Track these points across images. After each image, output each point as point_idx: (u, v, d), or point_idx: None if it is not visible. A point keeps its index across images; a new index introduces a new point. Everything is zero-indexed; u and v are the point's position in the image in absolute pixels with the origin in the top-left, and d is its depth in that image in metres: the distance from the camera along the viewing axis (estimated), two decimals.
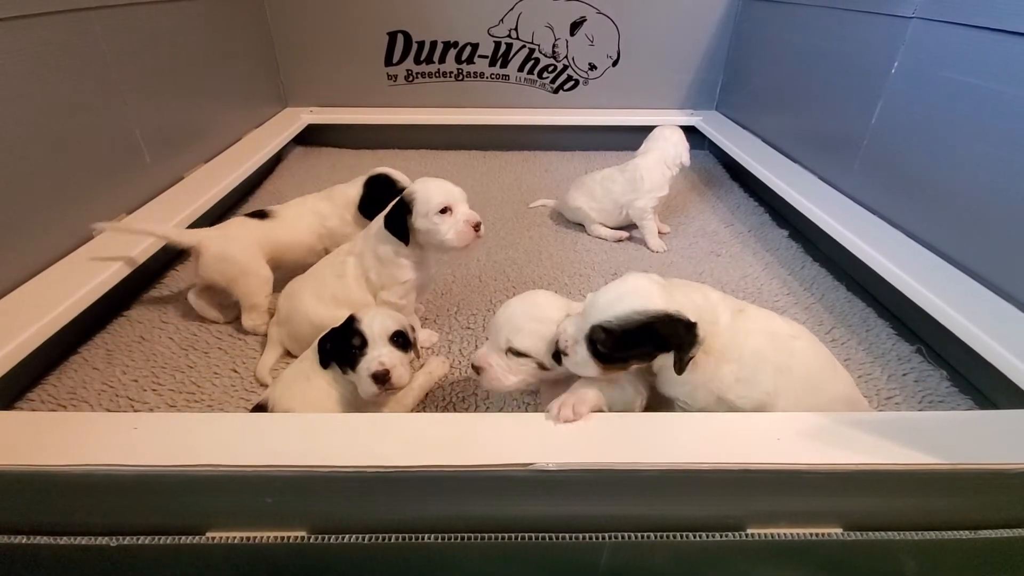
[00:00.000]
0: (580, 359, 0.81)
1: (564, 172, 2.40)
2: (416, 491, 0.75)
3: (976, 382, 1.16)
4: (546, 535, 0.76)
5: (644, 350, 0.80)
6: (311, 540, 0.75)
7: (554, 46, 2.57)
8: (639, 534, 0.76)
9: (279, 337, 1.24)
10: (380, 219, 1.17)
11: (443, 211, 1.12)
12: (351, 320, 0.98)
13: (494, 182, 2.30)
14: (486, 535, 0.76)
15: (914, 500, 0.77)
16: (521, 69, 2.63)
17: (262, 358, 1.21)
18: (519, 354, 0.90)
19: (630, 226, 1.83)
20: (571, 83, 2.66)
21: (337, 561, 0.78)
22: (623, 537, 0.75)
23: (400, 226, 1.13)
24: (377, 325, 0.97)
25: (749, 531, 0.77)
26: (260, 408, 0.96)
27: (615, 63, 2.60)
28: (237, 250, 1.28)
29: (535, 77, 2.65)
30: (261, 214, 1.40)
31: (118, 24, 1.48)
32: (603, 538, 0.75)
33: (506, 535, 0.76)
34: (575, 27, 2.52)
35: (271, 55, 2.50)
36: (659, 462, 0.73)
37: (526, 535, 0.76)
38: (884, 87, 1.48)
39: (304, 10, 2.44)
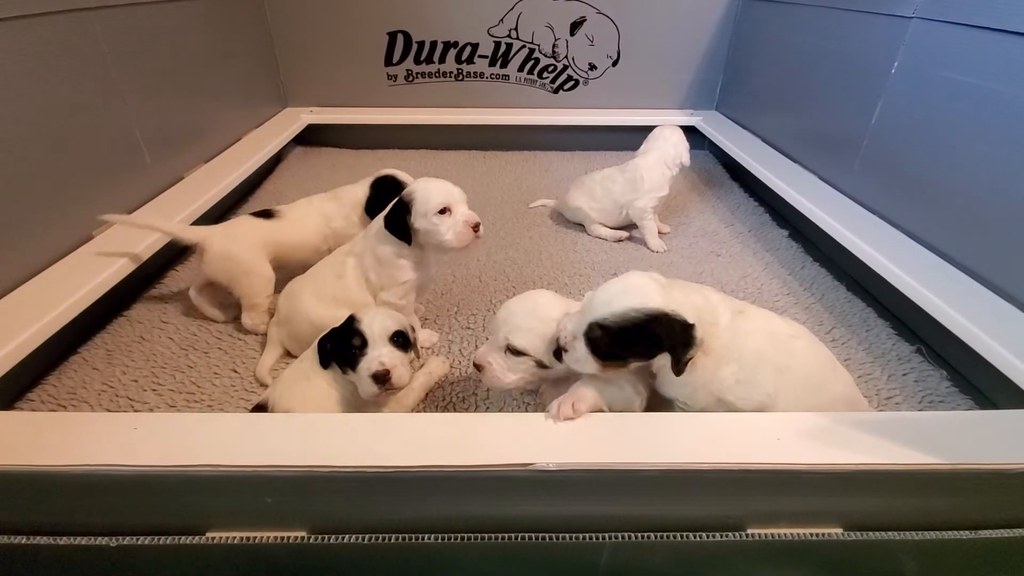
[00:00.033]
0: (580, 355, 0.82)
1: (564, 172, 2.40)
2: (416, 491, 0.75)
3: (976, 382, 1.16)
4: (546, 535, 0.76)
5: (641, 348, 0.80)
6: (311, 540, 0.75)
7: (554, 46, 2.57)
8: (639, 534, 0.76)
9: (279, 337, 1.24)
10: (379, 220, 1.17)
11: (442, 211, 1.12)
12: (351, 320, 0.98)
13: (494, 182, 2.30)
14: (486, 535, 0.76)
15: (914, 500, 0.77)
16: (521, 69, 2.63)
17: (262, 358, 1.21)
18: (518, 353, 0.91)
19: (630, 226, 1.83)
20: (571, 83, 2.66)
21: (337, 561, 0.78)
22: (623, 537, 0.75)
23: (400, 226, 1.13)
24: (377, 325, 0.97)
25: (749, 531, 0.77)
26: (260, 408, 0.96)
27: (615, 63, 2.60)
28: (241, 249, 1.28)
29: (535, 77, 2.65)
30: (267, 214, 1.40)
31: (118, 24, 1.48)
32: (603, 538, 0.75)
33: (506, 535, 0.76)
34: (575, 27, 2.52)
35: (271, 55, 2.50)
36: (659, 462, 0.73)
37: (526, 535, 0.76)
38: (884, 87, 1.48)
39: (304, 10, 2.44)
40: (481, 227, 1.14)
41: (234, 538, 0.75)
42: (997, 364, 1.00)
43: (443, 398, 1.14)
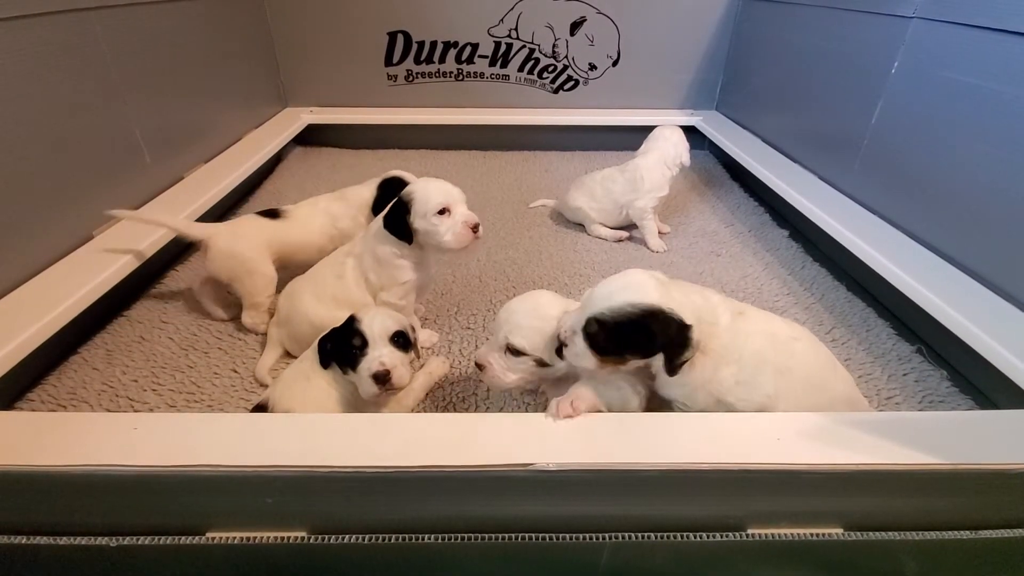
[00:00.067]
0: (578, 350, 0.82)
1: (564, 172, 2.40)
2: (416, 491, 0.75)
3: (976, 382, 1.16)
4: (546, 535, 0.76)
5: (637, 344, 0.80)
6: (311, 540, 0.75)
7: (554, 46, 2.57)
8: (639, 534, 0.76)
9: (279, 338, 1.24)
10: (379, 220, 1.17)
11: (442, 212, 1.12)
12: (351, 320, 0.98)
13: (494, 182, 2.30)
14: (486, 535, 0.76)
15: (914, 500, 0.77)
16: (521, 69, 2.63)
17: (262, 358, 1.21)
18: (518, 353, 0.91)
19: (630, 226, 1.83)
20: (571, 83, 2.66)
21: (337, 561, 0.78)
22: (623, 537, 0.75)
23: (400, 226, 1.13)
24: (377, 325, 0.97)
25: (749, 531, 0.77)
26: (260, 408, 0.96)
27: (615, 63, 2.60)
28: (245, 248, 1.28)
29: (535, 77, 2.65)
30: (274, 213, 1.40)
31: (118, 24, 1.48)
32: (603, 538, 0.75)
33: (506, 535, 0.76)
34: (575, 27, 2.52)
35: (271, 55, 2.50)
36: (659, 462, 0.73)
37: (526, 535, 0.76)
38: (884, 87, 1.48)
39: (304, 10, 2.44)
40: (480, 228, 1.14)
41: (234, 538, 0.75)
42: (997, 364, 1.00)
43: (443, 398, 1.14)
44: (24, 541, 0.74)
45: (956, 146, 1.27)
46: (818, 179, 1.77)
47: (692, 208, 2.07)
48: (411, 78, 2.62)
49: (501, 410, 1.12)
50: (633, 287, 0.80)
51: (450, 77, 2.63)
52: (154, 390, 1.15)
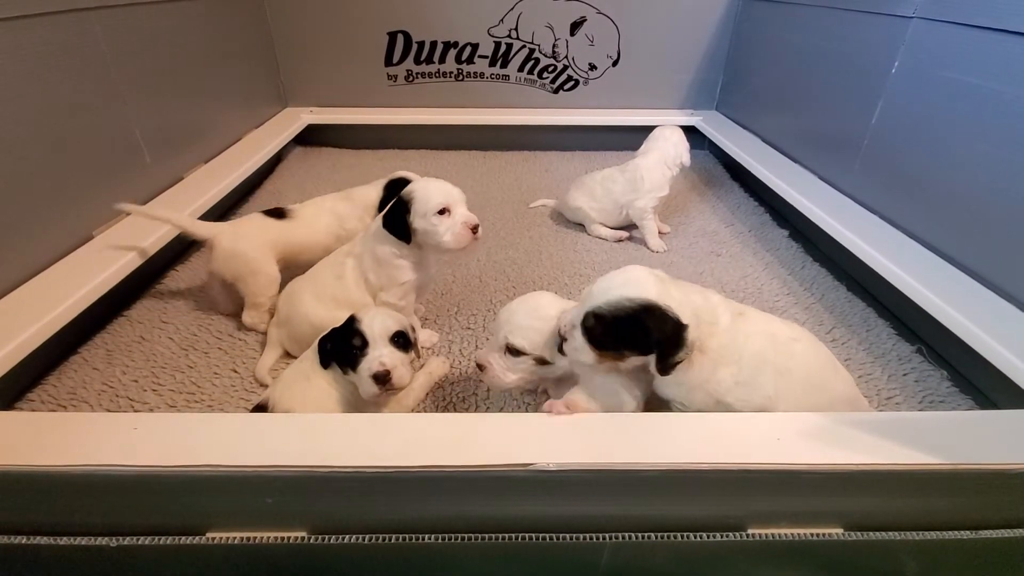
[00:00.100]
0: (577, 344, 0.82)
1: (564, 172, 2.40)
2: (416, 491, 0.75)
3: (976, 382, 1.16)
4: (546, 535, 0.76)
5: (634, 340, 0.80)
6: (311, 540, 0.75)
7: (554, 46, 2.57)
8: (639, 534, 0.76)
9: (279, 338, 1.24)
10: (378, 220, 1.17)
11: (441, 212, 1.12)
12: (352, 320, 0.98)
13: (494, 182, 2.30)
14: (486, 535, 0.76)
15: (915, 500, 0.77)
16: (521, 69, 2.63)
17: (261, 359, 1.21)
18: (517, 353, 0.91)
19: (630, 226, 1.83)
20: (571, 83, 2.66)
21: (337, 561, 0.78)
22: (623, 537, 0.75)
23: (399, 225, 1.13)
24: (378, 325, 0.97)
25: (749, 531, 0.77)
26: (260, 408, 0.96)
27: (615, 63, 2.60)
28: (248, 247, 1.28)
29: (535, 77, 2.65)
30: (279, 213, 1.39)
31: (118, 24, 1.48)
32: (603, 538, 0.75)
33: (506, 535, 0.76)
34: (575, 27, 2.52)
35: (271, 55, 2.50)
36: (659, 462, 0.73)
37: (526, 535, 0.76)
38: (884, 87, 1.48)
39: (304, 10, 2.44)
40: (480, 228, 1.14)
41: (234, 538, 0.75)
42: (997, 364, 1.00)
43: (443, 398, 1.14)
44: (24, 541, 0.74)
45: (956, 146, 1.27)
46: (818, 179, 1.77)
47: (692, 208, 2.07)
48: (411, 78, 2.62)
49: (501, 410, 1.12)
50: (632, 283, 0.81)
51: (450, 77, 2.63)
52: (154, 390, 1.15)
